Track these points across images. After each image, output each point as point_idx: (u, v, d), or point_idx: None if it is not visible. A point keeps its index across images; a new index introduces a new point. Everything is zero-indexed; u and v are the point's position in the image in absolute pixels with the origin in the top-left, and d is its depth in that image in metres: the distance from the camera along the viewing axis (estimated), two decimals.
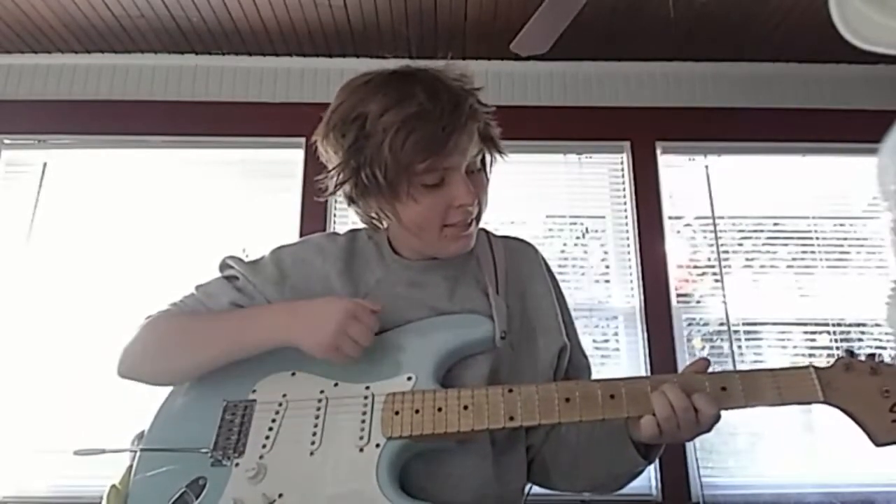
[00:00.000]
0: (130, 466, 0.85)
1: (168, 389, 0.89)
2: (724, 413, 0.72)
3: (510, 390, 0.76)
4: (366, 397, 0.79)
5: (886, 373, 0.70)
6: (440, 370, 0.82)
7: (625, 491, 0.89)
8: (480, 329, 0.84)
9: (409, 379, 0.80)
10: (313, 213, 2.67)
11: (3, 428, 2.43)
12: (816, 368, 0.72)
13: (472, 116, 0.81)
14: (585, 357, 0.95)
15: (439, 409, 0.76)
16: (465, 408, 0.76)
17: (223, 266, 0.94)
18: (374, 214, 0.87)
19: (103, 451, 0.86)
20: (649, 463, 0.80)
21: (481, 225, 0.98)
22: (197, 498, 0.77)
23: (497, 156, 0.88)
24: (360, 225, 0.94)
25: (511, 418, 0.74)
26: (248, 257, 0.94)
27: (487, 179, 0.88)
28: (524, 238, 1.00)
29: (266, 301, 0.89)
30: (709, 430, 0.72)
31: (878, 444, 0.68)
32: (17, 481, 2.39)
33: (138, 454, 0.83)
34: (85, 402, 2.42)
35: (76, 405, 2.43)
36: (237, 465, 0.78)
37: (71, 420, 2.41)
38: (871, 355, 0.72)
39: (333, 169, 0.84)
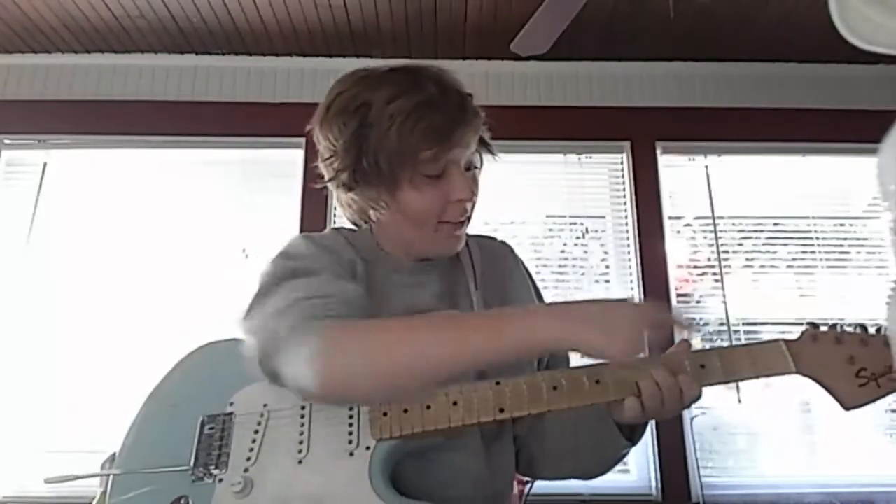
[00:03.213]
0: (104, 492, 0.82)
1: (136, 408, 0.85)
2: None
3: (497, 383, 0.77)
4: None
5: (850, 340, 0.74)
6: None
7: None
8: None
9: None
10: (313, 213, 2.67)
11: (3, 428, 2.43)
12: (786, 342, 0.75)
13: (475, 114, 0.84)
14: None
15: (428, 407, 0.76)
16: (455, 403, 0.76)
17: (282, 276, 0.78)
18: (372, 203, 0.85)
19: (76, 478, 0.83)
20: (633, 445, 0.82)
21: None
22: None
23: (490, 157, 0.90)
24: (340, 224, 0.93)
25: (501, 410, 0.75)
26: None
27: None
28: (496, 236, 1.02)
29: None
30: (688, 407, 0.75)
31: (847, 409, 0.72)
32: (17, 481, 2.38)
33: (111, 477, 0.80)
34: (85, 402, 2.41)
35: (76, 405, 2.42)
36: (221, 480, 0.76)
37: (71, 420, 2.41)
38: (834, 325, 0.75)
39: (332, 156, 0.84)
